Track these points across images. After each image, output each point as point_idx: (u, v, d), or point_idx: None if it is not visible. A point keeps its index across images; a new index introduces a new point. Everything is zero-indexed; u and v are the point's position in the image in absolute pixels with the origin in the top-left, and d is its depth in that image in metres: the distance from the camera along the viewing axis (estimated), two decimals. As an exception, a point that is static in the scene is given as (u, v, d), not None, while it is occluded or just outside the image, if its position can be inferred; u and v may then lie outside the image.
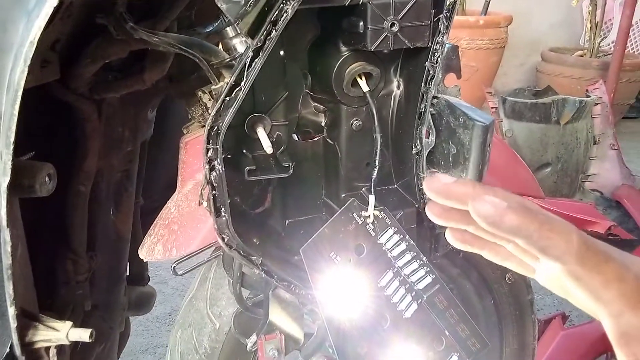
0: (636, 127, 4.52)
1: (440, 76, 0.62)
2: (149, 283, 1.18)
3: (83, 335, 0.67)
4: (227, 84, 0.54)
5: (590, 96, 2.74)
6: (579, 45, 4.50)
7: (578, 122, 2.74)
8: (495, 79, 4.36)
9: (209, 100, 0.72)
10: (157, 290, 1.22)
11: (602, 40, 4.12)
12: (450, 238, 0.56)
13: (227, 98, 0.55)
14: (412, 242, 0.66)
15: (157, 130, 1.01)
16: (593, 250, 0.46)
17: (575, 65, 3.99)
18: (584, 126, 2.76)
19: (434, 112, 0.63)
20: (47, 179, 0.61)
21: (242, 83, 0.54)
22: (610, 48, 4.02)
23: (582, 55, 4.14)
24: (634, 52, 4.53)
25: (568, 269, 0.46)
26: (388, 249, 0.65)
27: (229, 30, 0.65)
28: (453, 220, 0.53)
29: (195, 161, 0.79)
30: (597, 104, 2.74)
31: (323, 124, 0.71)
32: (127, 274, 1.07)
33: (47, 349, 0.69)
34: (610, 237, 2.21)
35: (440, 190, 0.50)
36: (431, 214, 0.53)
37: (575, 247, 0.45)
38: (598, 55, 4.07)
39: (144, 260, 1.03)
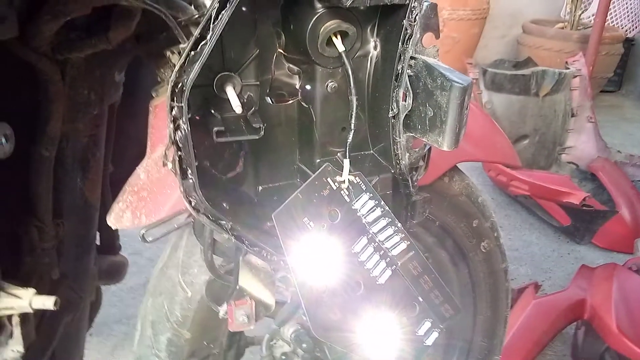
0: (613, 100, 4.58)
1: (418, 35, 0.59)
2: (122, 253, 1.16)
3: (47, 302, 0.65)
4: (193, 37, 0.51)
5: (569, 68, 2.75)
6: (560, 18, 4.50)
7: (557, 95, 2.75)
8: (476, 50, 4.35)
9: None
10: (131, 261, 1.20)
11: (582, 12, 4.13)
12: None
13: (192, 52, 0.52)
14: (387, 208, 0.64)
15: (127, 95, 0.97)
16: None
17: (556, 37, 4.00)
18: (562, 98, 2.77)
19: (412, 73, 0.61)
20: (3, 139, 0.58)
21: (209, 36, 0.51)
22: (591, 21, 4.03)
23: (562, 28, 4.15)
24: (614, 25, 4.55)
25: None
26: (363, 215, 0.64)
27: (198, -15, 0.61)
28: None
29: (165, 125, 0.76)
30: (575, 76, 2.74)
31: (297, 86, 0.68)
32: (98, 243, 1.05)
33: (10, 317, 0.67)
34: (584, 207, 2.25)
35: None
36: None
37: None
38: (578, 27, 4.08)
39: (114, 229, 1.01)
